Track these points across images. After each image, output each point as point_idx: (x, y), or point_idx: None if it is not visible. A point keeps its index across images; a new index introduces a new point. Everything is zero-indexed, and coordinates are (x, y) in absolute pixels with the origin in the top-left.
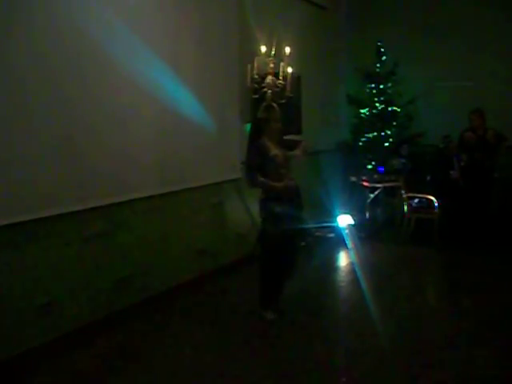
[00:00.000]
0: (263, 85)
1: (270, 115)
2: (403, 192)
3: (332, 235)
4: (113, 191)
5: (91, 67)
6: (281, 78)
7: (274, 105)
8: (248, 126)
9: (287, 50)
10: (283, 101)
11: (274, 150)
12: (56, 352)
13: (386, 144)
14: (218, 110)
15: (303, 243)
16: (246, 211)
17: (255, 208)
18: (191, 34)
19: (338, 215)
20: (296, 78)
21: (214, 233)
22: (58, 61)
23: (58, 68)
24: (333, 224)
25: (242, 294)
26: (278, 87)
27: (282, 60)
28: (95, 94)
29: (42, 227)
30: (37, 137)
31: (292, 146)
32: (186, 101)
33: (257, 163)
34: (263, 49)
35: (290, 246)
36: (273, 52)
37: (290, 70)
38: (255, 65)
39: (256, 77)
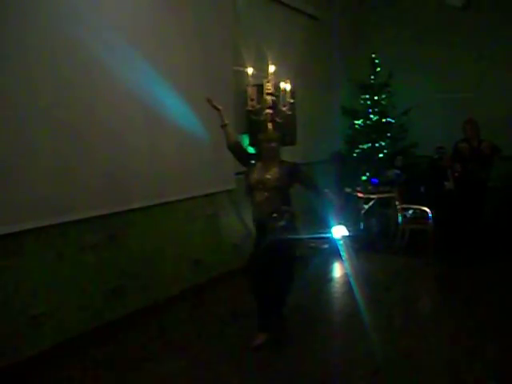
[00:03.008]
0: (260, 106)
1: (263, 136)
2: (397, 203)
3: (326, 246)
4: (107, 202)
5: (84, 78)
6: (287, 99)
7: (269, 125)
8: (243, 137)
9: (271, 68)
10: (281, 120)
11: (258, 174)
12: (49, 362)
13: (381, 155)
14: (212, 122)
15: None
16: (240, 222)
17: (249, 218)
18: (187, 46)
19: (332, 226)
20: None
21: (209, 243)
22: (50, 75)
23: (49, 83)
24: (327, 235)
25: (238, 304)
26: (273, 108)
27: (279, 78)
28: (88, 106)
29: (36, 238)
30: (29, 147)
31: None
32: (180, 113)
33: (240, 148)
34: (253, 69)
35: (263, 263)
36: (271, 70)
37: (288, 87)
38: (251, 85)
39: (254, 98)
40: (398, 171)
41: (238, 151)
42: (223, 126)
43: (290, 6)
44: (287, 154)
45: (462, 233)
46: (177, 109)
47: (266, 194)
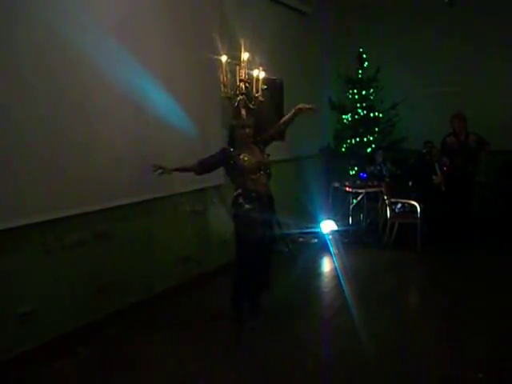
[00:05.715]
0: (234, 92)
1: (236, 122)
2: (386, 197)
3: (315, 241)
4: (94, 199)
5: (72, 75)
6: (260, 86)
7: (243, 111)
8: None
9: (245, 55)
10: (253, 106)
11: (244, 156)
12: (37, 361)
13: (369, 150)
14: (199, 115)
15: (287, 249)
16: (229, 217)
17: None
18: (172, 39)
19: (321, 221)
20: (278, 84)
21: (198, 239)
22: (39, 72)
23: (38, 79)
24: (316, 230)
25: (226, 300)
26: (244, 94)
27: (256, 66)
28: (76, 103)
29: (22, 235)
30: (16, 144)
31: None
32: (167, 106)
33: (209, 162)
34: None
35: (261, 252)
36: (245, 58)
37: (261, 75)
38: (225, 71)
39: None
40: (378, 167)
41: (212, 164)
42: (173, 171)
43: (278, 0)
44: (276, 150)
45: (451, 227)
46: (163, 103)
47: (264, 174)
